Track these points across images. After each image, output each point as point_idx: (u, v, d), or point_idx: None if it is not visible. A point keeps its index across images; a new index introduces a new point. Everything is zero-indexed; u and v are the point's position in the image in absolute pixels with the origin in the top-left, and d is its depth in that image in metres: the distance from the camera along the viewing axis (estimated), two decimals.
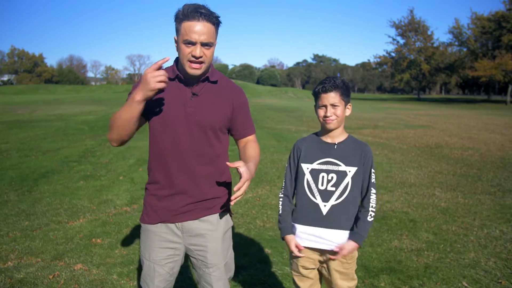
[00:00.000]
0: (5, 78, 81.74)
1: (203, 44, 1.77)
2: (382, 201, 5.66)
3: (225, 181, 2.05)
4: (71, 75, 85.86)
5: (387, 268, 3.58)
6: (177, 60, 1.94)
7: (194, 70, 1.81)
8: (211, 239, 1.99)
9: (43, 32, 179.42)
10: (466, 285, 3.29)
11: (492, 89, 59.69)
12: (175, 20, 1.80)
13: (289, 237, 2.17)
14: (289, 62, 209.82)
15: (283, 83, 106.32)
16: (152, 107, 1.89)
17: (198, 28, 1.74)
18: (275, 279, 3.41)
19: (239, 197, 1.75)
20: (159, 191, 1.97)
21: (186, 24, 1.75)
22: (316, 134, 2.22)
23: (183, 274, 3.31)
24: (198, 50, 1.76)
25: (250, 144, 2.06)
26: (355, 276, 2.22)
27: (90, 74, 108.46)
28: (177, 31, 1.80)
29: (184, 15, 1.75)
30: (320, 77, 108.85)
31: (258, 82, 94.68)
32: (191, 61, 1.79)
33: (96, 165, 8.05)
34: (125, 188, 6.31)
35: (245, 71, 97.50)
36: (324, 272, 2.20)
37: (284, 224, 2.19)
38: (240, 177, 1.76)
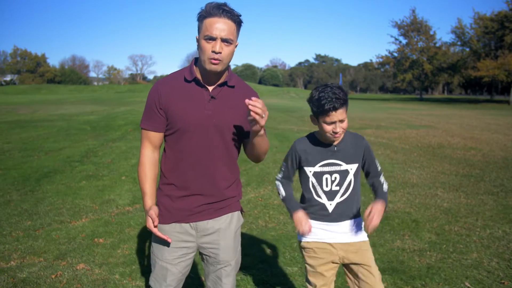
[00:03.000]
0: (8, 78, 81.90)
1: (223, 40, 1.79)
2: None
3: (237, 181, 2.10)
4: (73, 75, 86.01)
5: (389, 269, 3.57)
6: (195, 62, 1.97)
7: (213, 66, 1.82)
8: (224, 237, 2.03)
9: (46, 32, 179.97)
10: (468, 285, 3.29)
11: (494, 89, 59.47)
12: (198, 19, 1.84)
13: (300, 214, 2.12)
14: (291, 62, 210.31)
15: (285, 83, 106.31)
16: (171, 110, 1.92)
17: (219, 25, 1.78)
18: (277, 279, 3.41)
19: (255, 105, 1.71)
20: (173, 192, 1.99)
21: (208, 21, 1.79)
22: (313, 135, 2.22)
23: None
24: (218, 46, 1.79)
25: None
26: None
27: (92, 74, 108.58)
28: (199, 29, 1.84)
29: (206, 12, 1.79)
30: (322, 77, 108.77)
31: (260, 82, 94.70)
32: (211, 58, 1.81)
33: (98, 165, 8.06)
34: (127, 188, 6.32)
35: (247, 71, 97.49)
36: (347, 260, 2.19)
37: (291, 202, 2.20)
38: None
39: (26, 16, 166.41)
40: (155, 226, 1.94)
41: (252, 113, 1.71)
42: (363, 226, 2.23)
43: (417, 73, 57.78)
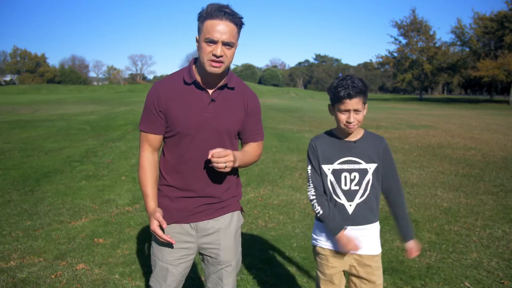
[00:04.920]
0: (8, 78, 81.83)
1: (225, 44, 1.78)
2: (384, 201, 5.64)
3: (236, 182, 2.10)
4: (73, 75, 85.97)
5: (389, 268, 3.57)
6: (195, 62, 1.95)
7: (214, 68, 1.81)
8: (224, 237, 2.03)
9: (46, 32, 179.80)
10: (468, 285, 3.29)
11: (494, 89, 59.51)
12: (198, 19, 1.81)
13: (345, 234, 2.06)
14: (291, 62, 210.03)
15: (285, 83, 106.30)
16: (171, 114, 1.91)
17: (221, 27, 1.75)
18: (277, 279, 3.41)
19: (215, 159, 1.77)
20: (173, 193, 1.99)
21: (209, 23, 1.76)
22: (331, 132, 2.17)
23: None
24: (219, 49, 1.77)
25: (253, 146, 2.08)
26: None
27: (92, 74, 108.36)
28: (199, 30, 1.82)
29: (207, 14, 1.76)
30: (322, 77, 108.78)
31: (260, 82, 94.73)
32: (211, 60, 1.79)
33: (98, 165, 8.06)
34: (127, 188, 6.32)
35: (247, 71, 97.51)
36: (354, 271, 2.17)
37: (332, 221, 2.08)
38: None
39: (26, 16, 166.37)
40: (162, 229, 1.90)
41: (214, 165, 1.79)
42: (378, 235, 2.18)
43: (417, 73, 57.78)
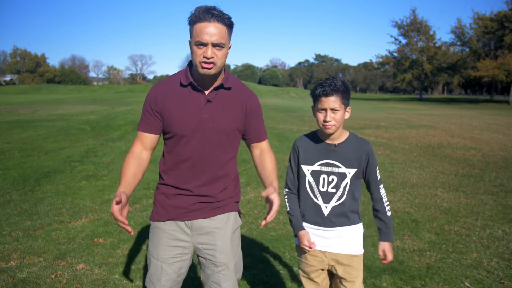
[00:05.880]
0: (8, 78, 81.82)
1: (214, 45, 1.78)
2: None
3: (235, 183, 2.10)
4: (73, 75, 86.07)
5: (389, 268, 3.57)
6: (190, 65, 1.96)
7: (206, 70, 1.82)
8: (220, 237, 2.01)
9: (46, 32, 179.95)
10: (468, 285, 3.29)
11: (494, 89, 59.58)
12: (189, 23, 1.83)
13: (303, 233, 2.15)
14: (291, 62, 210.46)
15: (285, 83, 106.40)
16: (167, 115, 1.93)
17: (210, 29, 1.76)
18: (277, 279, 3.41)
19: (267, 222, 1.96)
20: (169, 191, 2.00)
21: (198, 26, 1.77)
22: (315, 133, 2.18)
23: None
24: (209, 51, 1.78)
25: (267, 155, 2.12)
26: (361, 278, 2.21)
27: (92, 74, 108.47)
28: (190, 33, 1.83)
29: (196, 17, 1.78)
30: (322, 77, 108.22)
31: (260, 82, 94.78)
32: (202, 62, 1.80)
33: (98, 165, 8.06)
34: None
35: (247, 71, 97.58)
36: (334, 270, 2.17)
37: (296, 220, 2.19)
38: (271, 204, 1.92)
39: (26, 16, 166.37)
40: (118, 203, 1.79)
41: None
42: (361, 236, 2.18)
43: (417, 73, 57.87)
